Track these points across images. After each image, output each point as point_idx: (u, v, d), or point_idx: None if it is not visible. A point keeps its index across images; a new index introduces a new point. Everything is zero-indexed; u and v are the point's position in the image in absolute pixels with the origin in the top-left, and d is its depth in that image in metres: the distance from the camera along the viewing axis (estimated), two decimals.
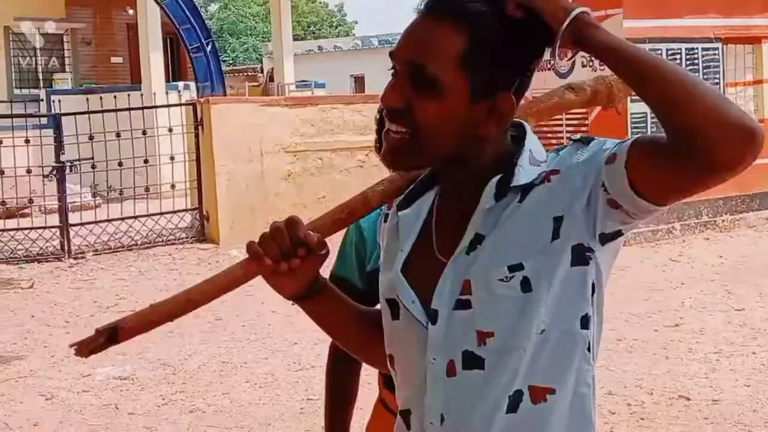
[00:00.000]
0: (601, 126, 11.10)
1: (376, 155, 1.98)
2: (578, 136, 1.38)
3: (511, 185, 1.33)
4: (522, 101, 1.39)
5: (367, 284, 1.97)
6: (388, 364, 1.48)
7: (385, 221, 1.51)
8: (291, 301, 1.48)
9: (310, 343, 6.57)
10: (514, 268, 1.33)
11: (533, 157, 1.37)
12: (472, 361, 1.36)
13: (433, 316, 1.37)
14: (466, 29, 1.29)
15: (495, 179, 1.33)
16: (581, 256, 1.32)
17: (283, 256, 1.35)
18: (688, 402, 5.33)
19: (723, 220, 11.98)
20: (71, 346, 1.41)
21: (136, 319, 1.46)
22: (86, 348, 1.37)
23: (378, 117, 2.01)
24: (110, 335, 1.38)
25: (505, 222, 1.33)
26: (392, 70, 1.35)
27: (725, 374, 5.81)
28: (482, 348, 1.35)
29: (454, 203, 1.40)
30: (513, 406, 1.34)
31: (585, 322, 1.36)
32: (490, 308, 1.34)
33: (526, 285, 1.33)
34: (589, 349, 1.37)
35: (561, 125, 12.10)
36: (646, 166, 1.23)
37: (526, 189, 1.33)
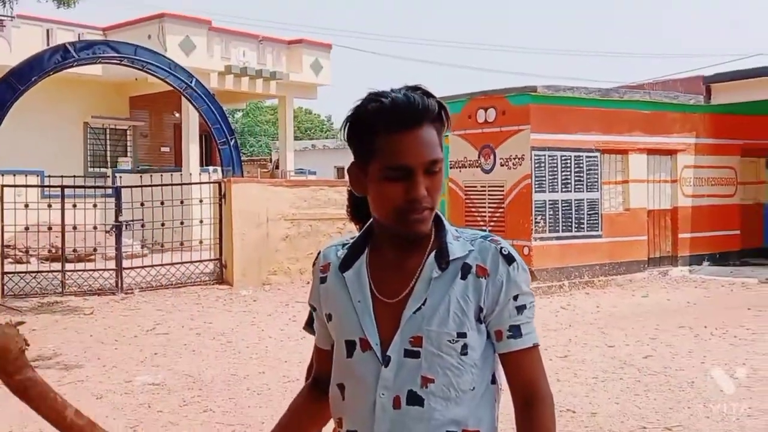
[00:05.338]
0: (513, 209, 12.27)
1: (350, 221, 2.37)
2: (505, 250, 1.59)
3: (451, 258, 1.57)
4: None
5: None
6: (333, 389, 1.67)
7: (322, 283, 1.70)
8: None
9: (297, 361, 7.23)
10: (460, 335, 1.55)
11: (453, 233, 1.63)
12: (415, 399, 1.55)
13: (386, 360, 1.56)
14: (434, 122, 1.58)
15: (433, 253, 1.59)
16: (489, 334, 1.61)
17: None
18: (573, 414, 5.69)
19: (599, 280, 12.88)
20: None
21: None
22: None
23: (349, 193, 2.32)
24: None
25: (449, 291, 1.56)
26: (398, 173, 1.54)
27: (601, 394, 6.23)
28: (424, 390, 1.56)
29: (391, 256, 1.61)
30: None
31: (494, 378, 1.64)
32: (435, 360, 1.55)
33: (464, 349, 1.56)
34: (496, 397, 1.65)
35: (484, 203, 12.51)
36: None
37: (465, 269, 1.58)
